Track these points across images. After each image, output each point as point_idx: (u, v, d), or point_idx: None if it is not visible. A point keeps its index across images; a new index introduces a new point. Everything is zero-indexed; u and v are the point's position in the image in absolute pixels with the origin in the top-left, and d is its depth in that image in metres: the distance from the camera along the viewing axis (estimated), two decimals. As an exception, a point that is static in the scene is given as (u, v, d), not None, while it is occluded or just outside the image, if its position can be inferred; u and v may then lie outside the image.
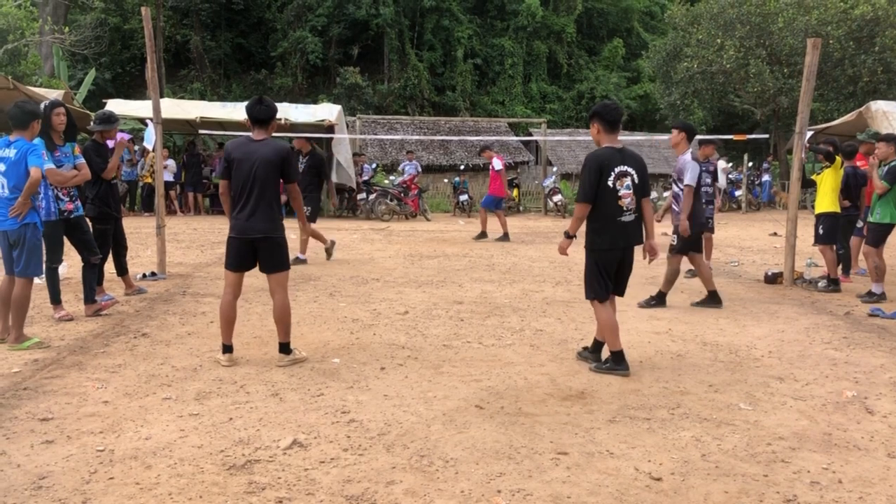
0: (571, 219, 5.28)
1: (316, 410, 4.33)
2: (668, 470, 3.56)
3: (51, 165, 6.22)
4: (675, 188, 8.00)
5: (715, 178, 9.67)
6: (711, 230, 9.72)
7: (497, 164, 14.34)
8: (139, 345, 5.80)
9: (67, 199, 6.58)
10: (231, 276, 5.29)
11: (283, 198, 5.59)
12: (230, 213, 5.24)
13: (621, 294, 5.42)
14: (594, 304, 5.29)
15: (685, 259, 7.92)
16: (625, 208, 5.08)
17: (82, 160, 6.70)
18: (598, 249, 5.17)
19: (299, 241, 10.07)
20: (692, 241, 7.66)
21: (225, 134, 20.18)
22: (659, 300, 7.65)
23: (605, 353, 5.32)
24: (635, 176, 5.12)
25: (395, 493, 3.27)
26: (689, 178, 7.39)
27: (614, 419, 4.26)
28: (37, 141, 6.18)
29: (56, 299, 6.67)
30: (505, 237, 14.04)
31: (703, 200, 9.53)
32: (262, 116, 5.19)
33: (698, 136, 11.31)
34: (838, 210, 8.78)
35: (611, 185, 5.04)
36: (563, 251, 5.35)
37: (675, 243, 7.65)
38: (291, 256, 6.10)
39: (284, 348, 5.35)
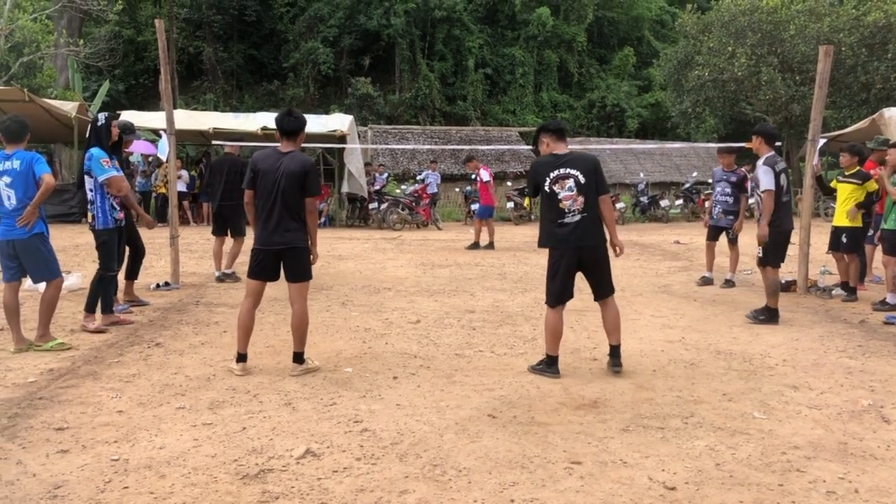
0: None
1: (329, 420, 4.34)
2: (682, 479, 3.54)
3: (114, 173, 6.55)
4: (756, 196, 7.59)
5: (740, 188, 9.47)
6: (734, 241, 9.68)
7: (485, 175, 14.41)
8: (153, 354, 5.83)
9: (119, 207, 6.80)
10: (252, 284, 5.37)
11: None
12: (255, 222, 5.34)
13: (604, 295, 5.43)
14: (546, 307, 5.45)
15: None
16: (566, 210, 5.19)
17: (121, 172, 6.92)
18: (550, 249, 5.35)
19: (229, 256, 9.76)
20: (778, 251, 7.31)
21: (238, 145, 20.26)
22: (769, 315, 7.21)
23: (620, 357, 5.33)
24: (580, 176, 5.20)
25: (407, 503, 3.27)
26: (766, 183, 7.08)
27: (628, 428, 4.25)
28: (94, 151, 6.49)
29: (91, 308, 6.76)
30: (490, 246, 14.10)
31: (721, 209, 9.52)
32: (290, 128, 5.27)
33: (718, 146, 11.21)
34: (860, 224, 8.65)
35: (548, 190, 5.23)
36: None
37: (760, 255, 7.34)
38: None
39: (298, 357, 5.37)
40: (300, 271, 5.29)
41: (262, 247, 5.24)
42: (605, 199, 5.32)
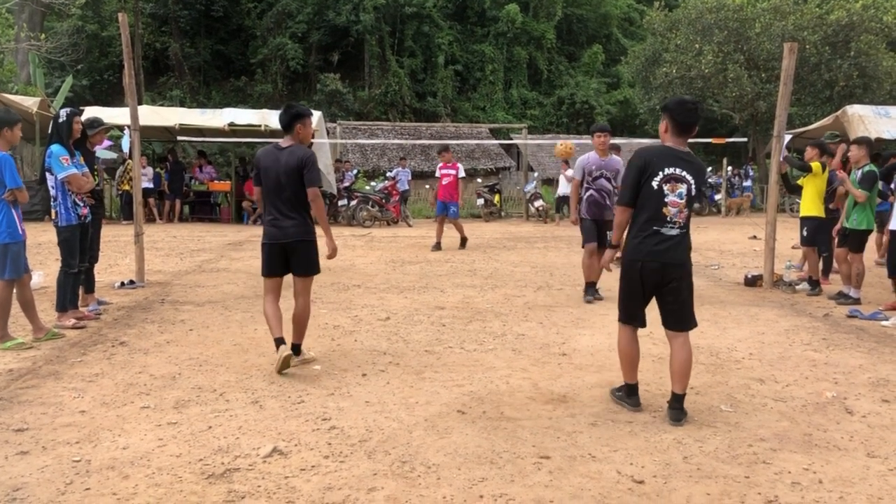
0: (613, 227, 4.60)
1: (296, 418, 4.30)
2: (650, 473, 3.56)
3: (73, 171, 6.50)
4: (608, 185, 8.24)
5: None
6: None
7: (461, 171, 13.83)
8: (117, 353, 5.72)
9: (82, 204, 6.76)
10: (268, 282, 5.39)
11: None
12: (263, 217, 5.41)
13: (678, 327, 4.37)
14: (618, 325, 4.60)
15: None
16: (669, 218, 4.24)
17: (86, 168, 6.87)
18: (627, 260, 4.40)
19: None
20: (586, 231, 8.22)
21: (204, 140, 20.05)
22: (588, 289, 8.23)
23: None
24: (693, 186, 4.27)
25: (376, 500, 3.24)
26: (573, 174, 8.45)
27: (596, 422, 4.26)
28: (55, 148, 6.43)
29: (63, 307, 6.67)
30: (437, 246, 13.29)
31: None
32: (282, 122, 5.29)
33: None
34: (822, 215, 8.80)
35: (655, 186, 4.24)
36: (605, 265, 4.86)
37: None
38: None
39: (296, 349, 5.43)
40: (308, 265, 5.36)
41: (269, 241, 5.30)
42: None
